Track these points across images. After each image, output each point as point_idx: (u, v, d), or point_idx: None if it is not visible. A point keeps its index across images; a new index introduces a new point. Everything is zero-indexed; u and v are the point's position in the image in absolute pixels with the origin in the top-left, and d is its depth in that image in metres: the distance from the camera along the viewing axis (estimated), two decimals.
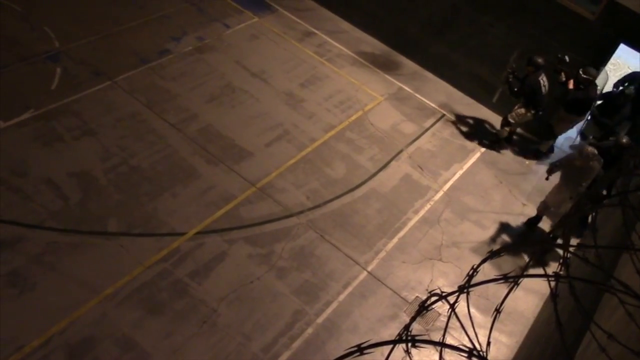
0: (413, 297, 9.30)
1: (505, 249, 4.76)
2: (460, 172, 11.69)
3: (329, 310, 8.89)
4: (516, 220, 11.14)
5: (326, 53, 13.61)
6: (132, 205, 9.40)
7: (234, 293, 8.72)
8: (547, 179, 10.53)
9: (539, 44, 12.17)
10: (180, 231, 9.28)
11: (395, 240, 10.14)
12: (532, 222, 11.02)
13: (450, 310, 3.32)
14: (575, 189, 9.99)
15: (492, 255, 3.25)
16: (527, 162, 12.41)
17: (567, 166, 10.22)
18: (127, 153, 10.12)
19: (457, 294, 3.30)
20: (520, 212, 11.34)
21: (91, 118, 10.50)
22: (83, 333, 7.79)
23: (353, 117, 12.15)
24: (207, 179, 10.13)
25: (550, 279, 3.19)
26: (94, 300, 8.13)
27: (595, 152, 9.80)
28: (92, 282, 8.32)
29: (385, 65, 13.77)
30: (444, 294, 3.22)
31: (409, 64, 14.00)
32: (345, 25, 14.66)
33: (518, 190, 11.64)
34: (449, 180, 11.51)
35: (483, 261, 3.41)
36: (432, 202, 10.94)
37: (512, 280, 3.40)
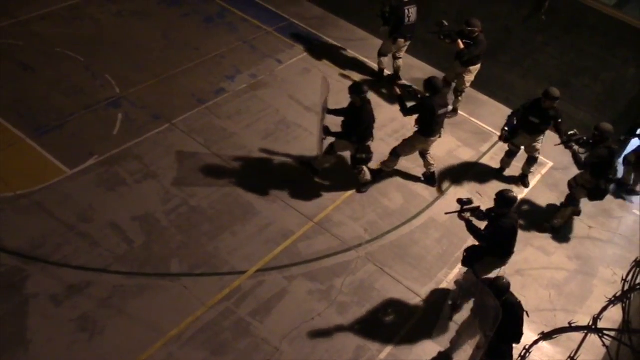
0: None
1: (557, 333, 4.42)
2: (520, 196, 11.39)
3: (391, 345, 8.80)
4: (582, 245, 10.78)
5: (377, 81, 13.60)
6: (194, 245, 9.62)
7: (295, 330, 8.76)
8: (450, 319, 9.03)
9: (599, 61, 11.84)
10: (241, 269, 9.41)
11: (456, 270, 9.97)
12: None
13: None
14: (485, 335, 7.10)
15: (544, 337, 3.19)
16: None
17: (477, 304, 8.06)
18: (187, 194, 10.37)
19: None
20: (587, 234, 10.98)
21: (152, 161, 10.83)
22: None
23: None
24: (265, 216, 10.25)
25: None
26: (160, 342, 8.32)
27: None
28: (158, 323, 8.52)
29: None
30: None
31: None
32: None
33: (583, 212, 11.22)
34: None
35: (535, 343, 3.33)
36: None
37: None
